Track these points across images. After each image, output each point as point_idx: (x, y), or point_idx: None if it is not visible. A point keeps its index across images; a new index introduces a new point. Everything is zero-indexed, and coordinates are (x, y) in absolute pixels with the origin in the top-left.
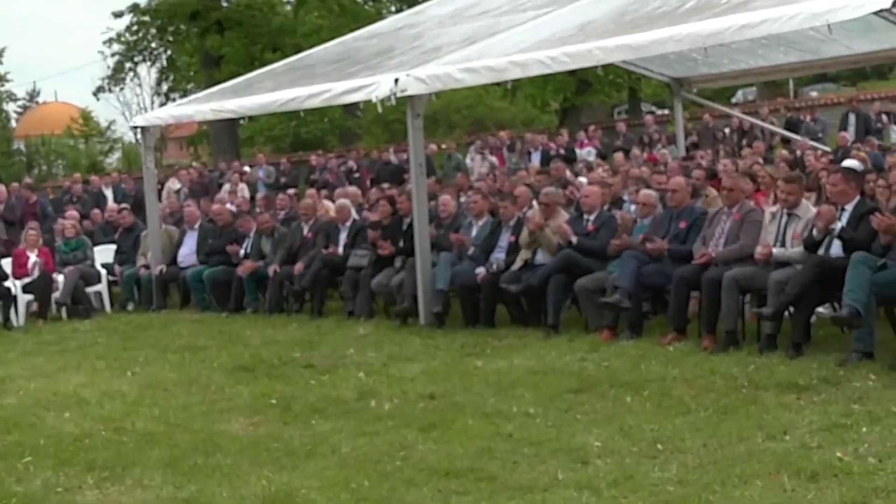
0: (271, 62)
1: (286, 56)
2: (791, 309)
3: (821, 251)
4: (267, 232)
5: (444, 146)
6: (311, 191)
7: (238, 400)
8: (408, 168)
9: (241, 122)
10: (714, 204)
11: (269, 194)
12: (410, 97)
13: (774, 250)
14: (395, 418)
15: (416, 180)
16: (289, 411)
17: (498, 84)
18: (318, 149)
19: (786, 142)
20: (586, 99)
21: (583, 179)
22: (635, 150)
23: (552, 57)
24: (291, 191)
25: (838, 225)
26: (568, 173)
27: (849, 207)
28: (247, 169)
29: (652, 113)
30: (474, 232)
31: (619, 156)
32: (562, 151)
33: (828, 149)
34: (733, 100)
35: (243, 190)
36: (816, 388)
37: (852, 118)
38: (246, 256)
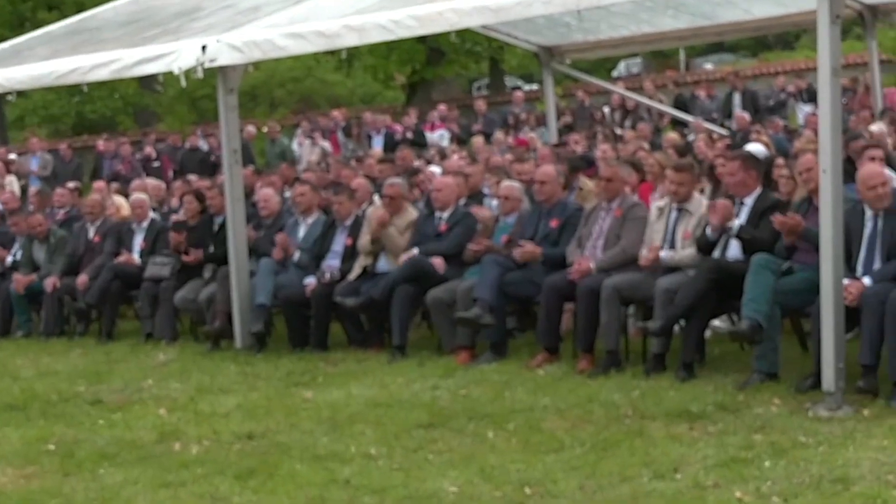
0: (46, 23)
1: (65, 16)
2: (682, 323)
3: (716, 253)
4: (40, 236)
5: (264, 129)
6: (99, 184)
7: (6, 446)
8: (219, 156)
9: (9, 97)
10: (590, 198)
11: (43, 189)
12: (222, 68)
13: (662, 254)
14: (204, 464)
15: (229, 171)
16: (71, 459)
17: (331, 53)
18: (108, 132)
19: (676, 123)
20: (439, 72)
21: (435, 169)
22: (498, 134)
23: (396, 20)
24: (73, 184)
25: (736, 223)
26: (417, 161)
27: (749, 201)
28: (14, 157)
29: (518, 89)
30: (301, 233)
31: (478, 140)
32: (409, 135)
33: (724, 131)
34: (614, 73)
35: (12, 183)
36: (712, 417)
37: (737, 98)
38: (14, 267)
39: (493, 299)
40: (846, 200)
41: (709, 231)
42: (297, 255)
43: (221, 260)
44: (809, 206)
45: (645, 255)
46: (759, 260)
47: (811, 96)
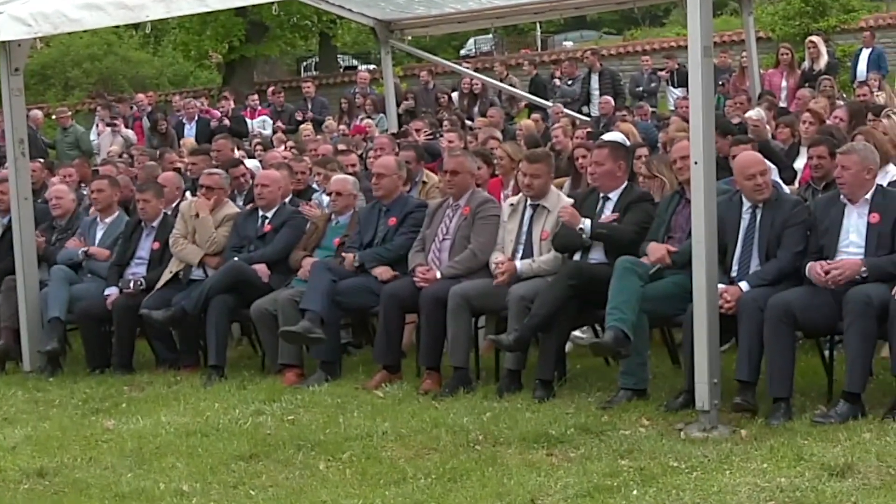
0: None
1: None
2: (540, 335)
3: (577, 256)
4: None
5: (56, 115)
6: None
7: None
8: (2, 147)
9: None
10: (435, 193)
11: None
12: (5, 44)
13: (519, 265)
14: None
15: (14, 164)
16: None
17: (134, 27)
18: None
19: (533, 109)
20: (261, 49)
21: (254, 162)
22: (329, 121)
23: None
24: None
25: (587, 223)
26: (237, 152)
27: (614, 195)
28: None
29: (353, 69)
30: (99, 235)
31: (306, 128)
32: (227, 122)
33: (583, 117)
34: (463, 52)
35: None
36: (573, 441)
37: (594, 80)
38: None
39: (324, 310)
40: (719, 192)
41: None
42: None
43: (7, 270)
44: (681, 200)
45: (497, 271)
46: (624, 263)
47: (683, 79)
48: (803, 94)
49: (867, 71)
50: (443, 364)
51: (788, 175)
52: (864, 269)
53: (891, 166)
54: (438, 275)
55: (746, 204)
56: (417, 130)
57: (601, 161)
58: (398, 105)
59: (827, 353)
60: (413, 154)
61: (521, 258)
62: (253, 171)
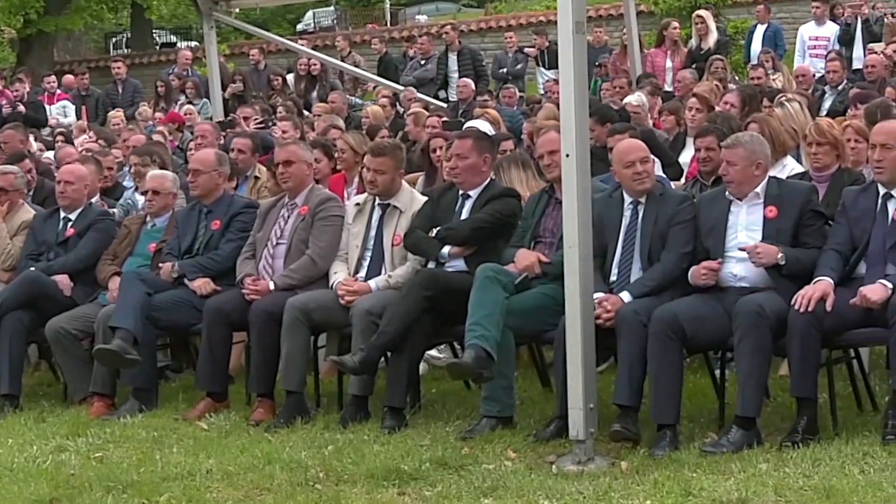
0: None
1: None
2: (389, 355)
3: (433, 263)
4: None
5: None
6: None
7: None
8: None
9: None
10: (266, 192)
11: None
12: None
13: (372, 283)
14: None
15: None
16: None
17: None
18: None
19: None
20: (62, 23)
21: (50, 155)
22: (144, 107)
23: None
24: None
25: (438, 229)
26: (33, 144)
27: (474, 193)
28: None
29: (171, 46)
30: None
31: (115, 115)
32: (21, 108)
33: (440, 103)
34: (300, 27)
35: None
36: (429, 477)
37: (453, 60)
38: None
39: (137, 328)
40: (596, 190)
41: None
42: None
43: None
44: (550, 199)
45: (341, 291)
46: (486, 271)
47: (554, 59)
48: (685, 77)
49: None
50: (276, 390)
51: (674, 170)
52: (780, 255)
53: (789, 159)
54: (271, 285)
55: (627, 200)
56: (246, 118)
57: (464, 153)
58: (224, 89)
59: (718, 372)
60: (248, 143)
61: (369, 267)
62: (48, 165)
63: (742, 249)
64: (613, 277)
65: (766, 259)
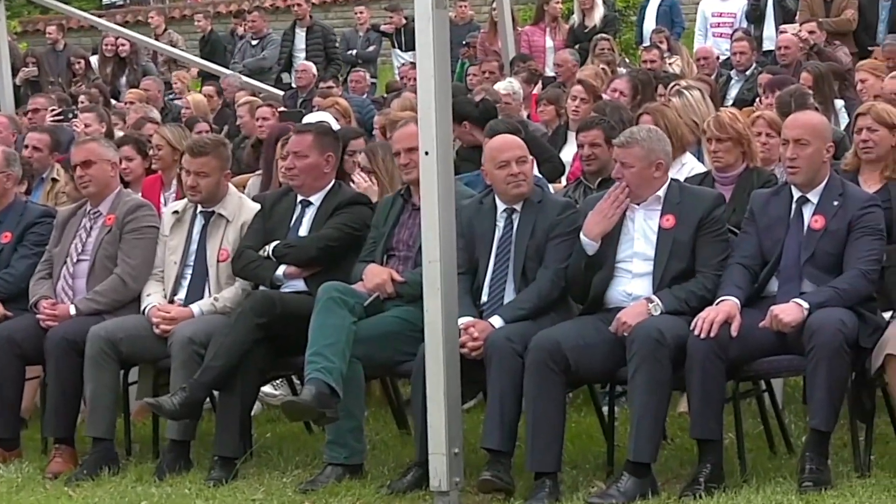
0: None
1: None
2: (217, 394)
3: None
4: None
5: None
6: None
7: None
8: None
9: None
10: (66, 197)
11: None
12: None
13: (195, 308)
14: None
15: None
16: None
17: None
18: None
19: (207, 78)
20: None
21: None
22: None
23: None
24: None
25: (271, 246)
26: None
27: (317, 199)
28: None
29: None
30: None
31: None
32: None
33: (275, 90)
34: (107, 0)
35: None
36: None
37: (301, 37)
38: None
39: None
40: (462, 195)
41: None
42: None
43: None
44: (405, 206)
45: (156, 320)
46: (329, 291)
47: (412, 38)
48: (566, 59)
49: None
50: (79, 435)
51: (552, 169)
52: (652, 306)
53: (688, 157)
54: (72, 310)
55: (500, 207)
56: (37, 110)
57: (303, 151)
58: (14, 74)
59: (606, 409)
60: (44, 139)
61: (190, 287)
62: None
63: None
64: (484, 298)
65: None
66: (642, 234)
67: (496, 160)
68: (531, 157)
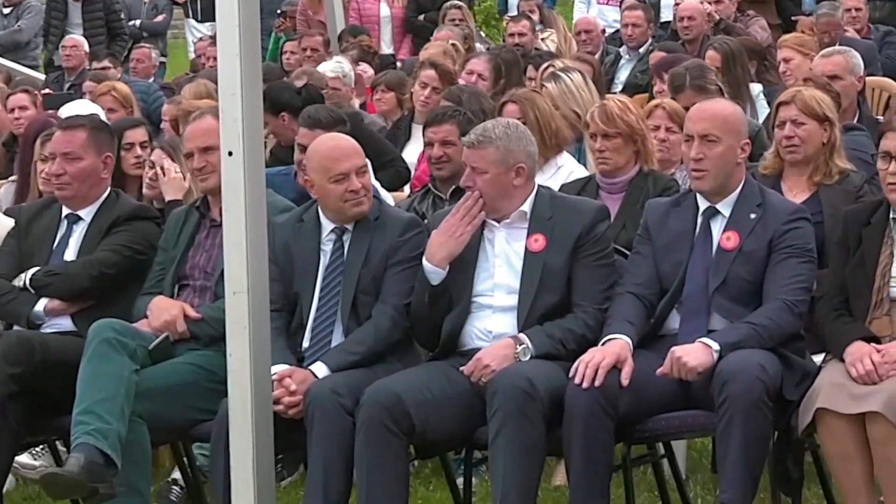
0: None
1: None
2: None
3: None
4: None
5: None
6: None
7: None
8: None
9: None
10: None
11: None
12: None
13: None
14: None
15: None
16: None
17: None
18: None
19: None
20: None
21: None
22: None
23: None
24: None
25: (28, 273)
26: None
27: (87, 214)
28: None
29: None
30: None
31: None
32: None
33: (35, 74)
34: None
35: None
36: None
37: (75, 9)
38: None
39: None
40: (277, 208)
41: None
42: None
43: None
44: (202, 221)
45: None
46: (103, 331)
47: (210, 7)
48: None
49: None
50: None
51: (395, 175)
52: (521, 348)
53: (565, 157)
54: None
55: (328, 226)
56: None
57: (75, 153)
58: None
59: (461, 480)
60: None
61: None
62: None
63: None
64: (305, 342)
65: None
66: (505, 259)
67: (331, 172)
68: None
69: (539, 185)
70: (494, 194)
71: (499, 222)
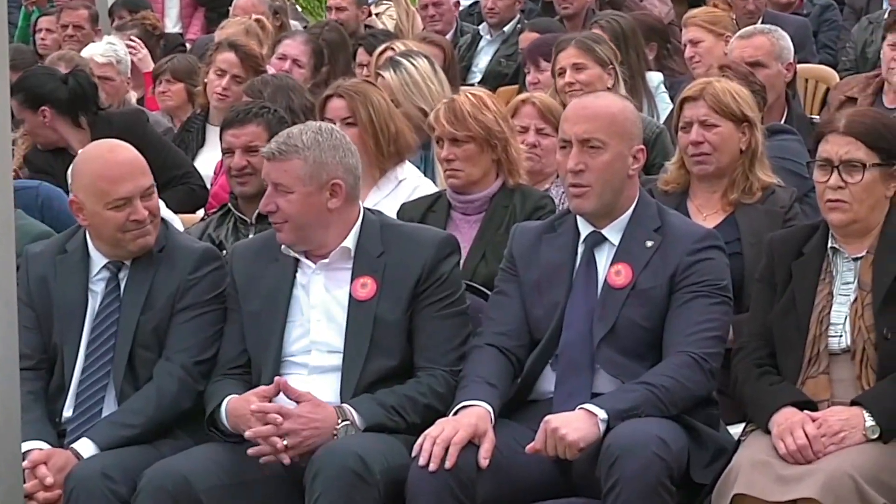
0: None
1: None
2: None
3: None
4: None
5: None
6: None
7: None
8: None
9: None
10: None
11: None
12: None
13: None
14: None
15: None
16: None
17: None
18: None
19: None
20: None
21: None
22: None
23: None
24: None
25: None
26: None
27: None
28: None
29: None
30: None
31: None
32: None
33: None
34: None
35: None
36: None
37: None
38: None
39: None
40: (29, 234)
41: None
42: None
43: None
44: None
45: None
46: None
47: None
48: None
49: None
50: None
51: (187, 193)
52: (342, 425)
53: (408, 168)
54: None
55: (99, 261)
56: None
57: None
58: None
59: None
60: None
61: None
62: None
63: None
64: (68, 411)
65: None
66: (324, 310)
67: (109, 196)
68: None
69: (366, 210)
70: (304, 221)
71: (314, 262)
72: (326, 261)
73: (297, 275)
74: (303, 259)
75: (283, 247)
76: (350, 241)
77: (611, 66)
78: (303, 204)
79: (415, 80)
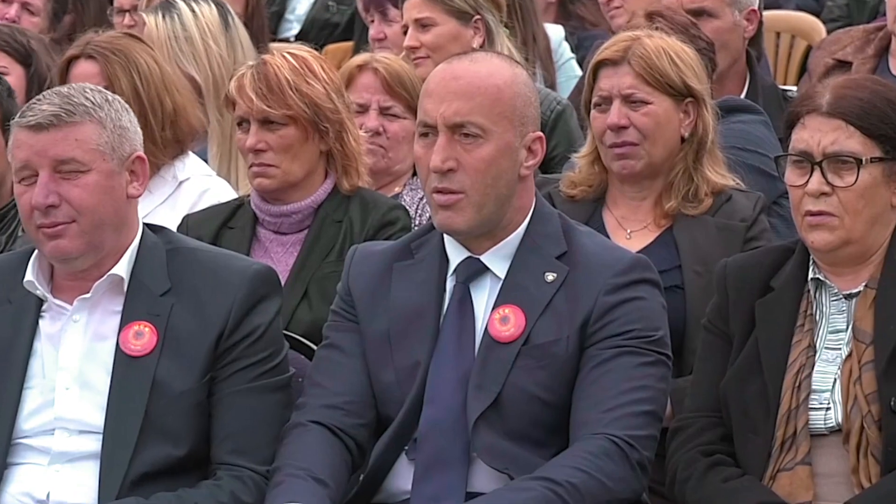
0: None
1: None
2: None
3: None
4: None
5: None
6: None
7: None
8: None
9: None
10: None
11: None
12: None
13: None
14: None
15: None
16: None
17: None
18: None
19: None
20: None
21: None
22: None
23: None
24: None
25: None
26: None
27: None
28: None
29: None
30: None
31: None
32: None
33: None
34: None
35: None
36: None
37: None
38: None
39: None
40: None
41: None
42: None
43: None
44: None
45: None
46: None
47: None
48: None
49: None
50: None
51: None
52: None
53: (191, 161)
54: None
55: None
56: None
57: None
58: None
59: None
60: None
61: None
62: None
63: None
64: None
65: None
66: (78, 371)
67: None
68: None
69: (145, 227)
70: (102, 217)
71: (70, 302)
72: (87, 295)
73: (42, 322)
74: (51, 298)
75: (25, 278)
76: (122, 267)
77: (477, 18)
78: (104, 188)
79: (189, 35)
